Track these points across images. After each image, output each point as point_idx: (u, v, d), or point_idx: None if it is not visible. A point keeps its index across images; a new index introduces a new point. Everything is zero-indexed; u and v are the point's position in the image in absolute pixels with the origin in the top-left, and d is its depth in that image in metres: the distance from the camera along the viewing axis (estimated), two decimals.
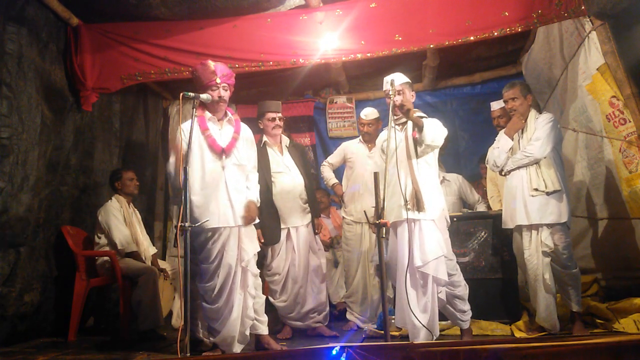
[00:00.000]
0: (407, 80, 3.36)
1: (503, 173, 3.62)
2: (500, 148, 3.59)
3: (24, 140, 3.51)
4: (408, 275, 3.14)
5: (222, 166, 3.15)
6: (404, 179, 3.23)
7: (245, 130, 3.35)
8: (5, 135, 3.37)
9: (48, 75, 3.83)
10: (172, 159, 3.17)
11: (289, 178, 3.86)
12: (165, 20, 3.98)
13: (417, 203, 3.14)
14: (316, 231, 3.98)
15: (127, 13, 3.95)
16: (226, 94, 3.20)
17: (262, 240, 3.65)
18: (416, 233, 3.16)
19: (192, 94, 2.97)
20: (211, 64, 3.15)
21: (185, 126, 3.14)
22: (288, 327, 3.89)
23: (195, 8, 3.87)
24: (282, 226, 3.82)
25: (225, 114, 3.28)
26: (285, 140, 4.01)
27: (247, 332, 3.19)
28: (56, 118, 3.91)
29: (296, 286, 3.83)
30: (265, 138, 3.92)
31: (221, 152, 3.16)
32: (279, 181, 3.83)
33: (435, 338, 3.12)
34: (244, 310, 3.16)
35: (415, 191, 3.16)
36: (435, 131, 3.16)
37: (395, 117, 3.33)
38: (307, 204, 3.92)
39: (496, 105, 4.09)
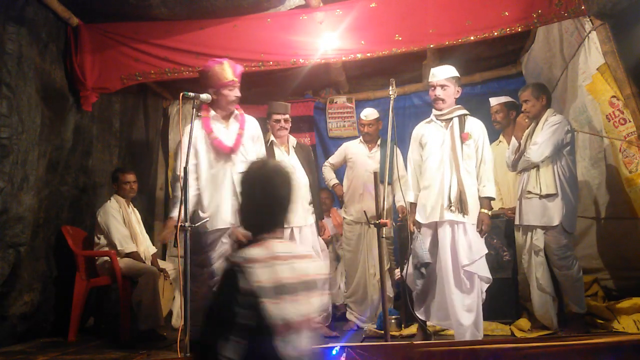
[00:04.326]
0: (455, 74, 3.28)
1: (516, 173, 3.68)
2: (510, 149, 3.63)
3: (23, 140, 3.51)
4: (452, 275, 3.12)
5: (231, 164, 3.17)
6: (448, 178, 3.18)
7: (251, 124, 3.35)
8: (5, 135, 3.36)
9: (48, 75, 3.83)
10: (177, 163, 3.15)
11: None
12: (165, 20, 3.98)
13: (462, 205, 3.10)
14: (320, 233, 3.95)
15: (127, 13, 3.95)
16: (239, 94, 3.21)
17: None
18: (460, 234, 3.12)
19: (192, 94, 2.96)
20: (227, 63, 3.13)
21: (187, 129, 3.15)
22: None
23: (195, 8, 3.87)
24: (285, 225, 3.80)
25: (232, 112, 3.28)
26: (292, 140, 4.01)
27: None
28: (56, 118, 3.91)
29: None
30: (272, 137, 3.92)
31: (229, 152, 3.17)
32: None
33: (481, 337, 3.12)
34: None
35: (461, 192, 3.12)
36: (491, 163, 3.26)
37: (438, 113, 3.31)
38: (311, 205, 3.91)
39: (494, 102, 4.19)
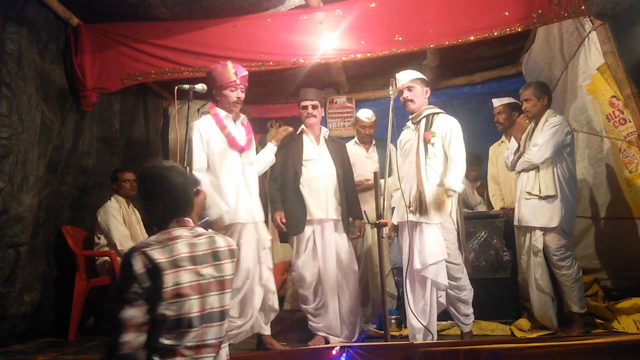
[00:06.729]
0: (418, 76, 3.31)
1: (515, 173, 3.68)
2: (509, 149, 3.65)
3: (23, 140, 3.50)
4: (407, 276, 3.14)
5: (242, 164, 3.26)
6: (410, 179, 3.20)
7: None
8: (5, 135, 3.36)
9: (48, 75, 3.83)
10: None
11: (318, 166, 3.65)
12: (165, 20, 3.98)
13: (420, 206, 3.09)
14: (358, 233, 3.76)
15: (127, 13, 3.95)
16: (242, 96, 3.28)
17: (284, 228, 3.56)
18: (417, 236, 3.12)
19: (186, 86, 2.99)
20: (230, 65, 3.22)
21: (200, 124, 3.23)
22: (318, 336, 3.55)
23: (195, 8, 3.87)
24: (308, 217, 3.58)
25: (239, 115, 3.36)
26: (324, 131, 3.82)
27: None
28: (56, 118, 3.91)
29: (321, 291, 3.58)
30: (303, 126, 3.76)
31: (241, 151, 3.26)
32: (307, 169, 3.65)
33: (434, 339, 3.11)
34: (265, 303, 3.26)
35: (420, 193, 3.11)
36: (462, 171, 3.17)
37: (411, 116, 3.33)
38: (339, 199, 3.66)
39: (497, 102, 4.18)
